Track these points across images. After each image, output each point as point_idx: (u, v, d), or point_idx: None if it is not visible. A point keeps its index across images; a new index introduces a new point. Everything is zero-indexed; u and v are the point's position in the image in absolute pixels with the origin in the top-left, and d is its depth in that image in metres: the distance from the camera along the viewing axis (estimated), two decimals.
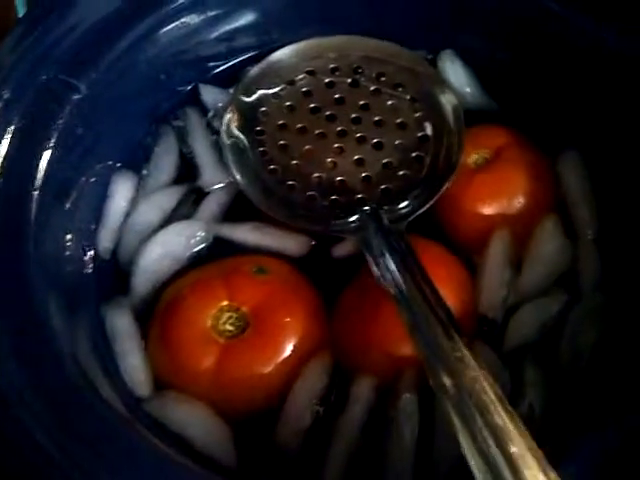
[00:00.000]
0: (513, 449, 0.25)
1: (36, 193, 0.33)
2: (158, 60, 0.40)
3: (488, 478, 0.25)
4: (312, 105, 0.40)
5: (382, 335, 0.33)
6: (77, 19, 0.37)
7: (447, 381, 0.27)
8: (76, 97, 0.36)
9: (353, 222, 0.36)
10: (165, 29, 0.40)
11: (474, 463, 0.25)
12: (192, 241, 0.37)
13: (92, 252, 0.37)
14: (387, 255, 0.33)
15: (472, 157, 0.38)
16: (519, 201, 0.36)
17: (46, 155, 0.34)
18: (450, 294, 0.32)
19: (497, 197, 0.37)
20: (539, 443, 0.25)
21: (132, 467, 0.26)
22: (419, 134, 0.39)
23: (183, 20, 0.40)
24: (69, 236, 0.35)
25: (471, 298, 0.34)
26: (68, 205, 0.35)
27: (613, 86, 0.36)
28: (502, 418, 0.26)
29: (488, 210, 0.37)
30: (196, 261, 0.37)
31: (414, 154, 0.38)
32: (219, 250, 0.37)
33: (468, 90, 0.42)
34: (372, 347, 0.33)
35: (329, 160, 0.38)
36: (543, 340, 0.33)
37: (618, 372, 0.30)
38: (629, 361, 0.30)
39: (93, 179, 0.37)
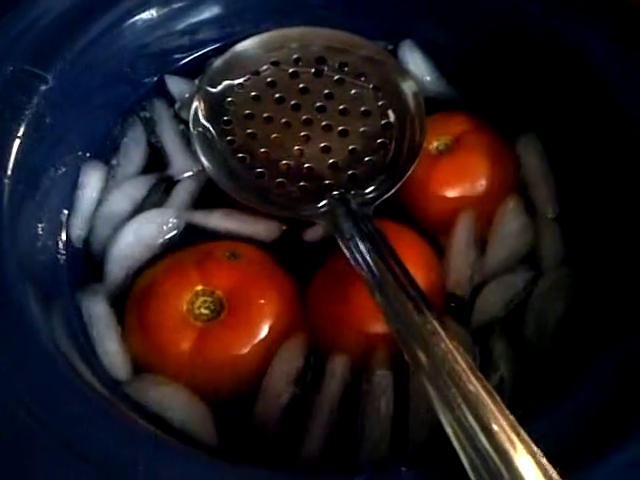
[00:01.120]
0: (486, 414, 0.26)
1: (7, 182, 0.33)
2: (124, 52, 0.40)
3: (464, 443, 0.26)
4: (277, 95, 0.41)
5: (355, 314, 0.34)
6: (42, 10, 0.37)
7: (420, 354, 0.28)
8: (43, 87, 0.36)
9: (322, 207, 0.37)
10: (130, 21, 0.40)
11: (450, 430, 0.26)
12: (164, 228, 0.37)
13: (65, 240, 0.37)
14: (357, 238, 0.34)
15: (434, 144, 0.40)
16: (481, 183, 0.38)
17: (15, 145, 0.34)
18: (419, 273, 0.33)
19: (460, 180, 0.38)
20: (510, 409, 0.26)
21: (116, 443, 0.27)
22: (382, 121, 0.40)
23: (148, 12, 0.41)
24: (41, 225, 0.35)
25: (439, 277, 0.36)
26: (39, 195, 0.35)
27: (567, 71, 0.38)
28: (474, 385, 0.27)
29: (452, 193, 0.38)
30: (169, 248, 0.37)
31: (378, 140, 0.39)
32: (191, 237, 0.37)
33: (428, 79, 0.43)
34: (345, 326, 0.34)
35: (296, 148, 0.39)
36: (510, 315, 0.35)
37: (583, 343, 0.32)
38: (593, 333, 0.32)
39: (63, 169, 0.37)
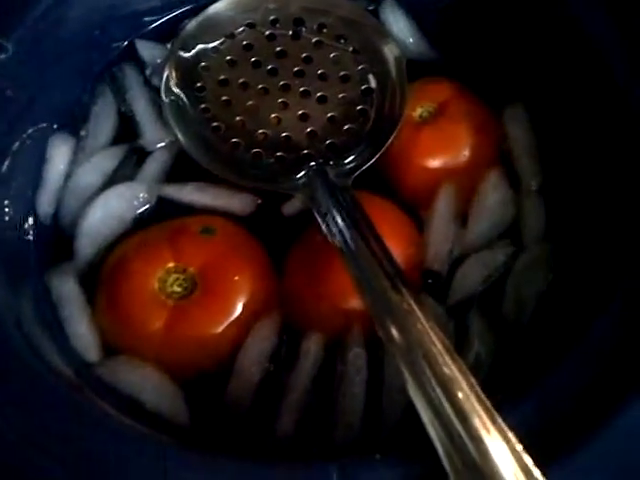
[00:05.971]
0: (461, 399, 0.25)
1: None
2: (90, 15, 0.38)
3: (438, 428, 0.25)
4: (253, 59, 0.39)
5: (331, 290, 0.33)
6: None
7: (396, 334, 0.28)
8: (3, 56, 0.34)
9: (300, 179, 0.36)
10: None
11: (424, 414, 0.26)
12: (135, 203, 0.36)
13: (32, 218, 0.36)
14: (334, 211, 0.33)
15: (417, 111, 0.38)
16: (464, 155, 0.37)
17: None
18: (397, 248, 0.32)
19: (443, 151, 0.37)
20: (487, 392, 0.26)
21: (79, 434, 0.26)
22: (362, 87, 0.39)
23: None
24: (7, 202, 0.34)
25: (418, 252, 0.35)
26: (3, 171, 0.34)
27: (558, 39, 0.37)
28: (450, 368, 0.26)
29: (434, 164, 0.37)
30: (141, 223, 0.36)
31: (358, 107, 0.38)
32: (164, 211, 0.36)
33: (411, 40, 0.42)
34: (321, 302, 0.33)
35: (273, 116, 0.38)
36: (488, 292, 0.34)
37: (562, 321, 0.31)
38: (574, 309, 0.31)
39: (29, 142, 0.36)
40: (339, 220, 0.32)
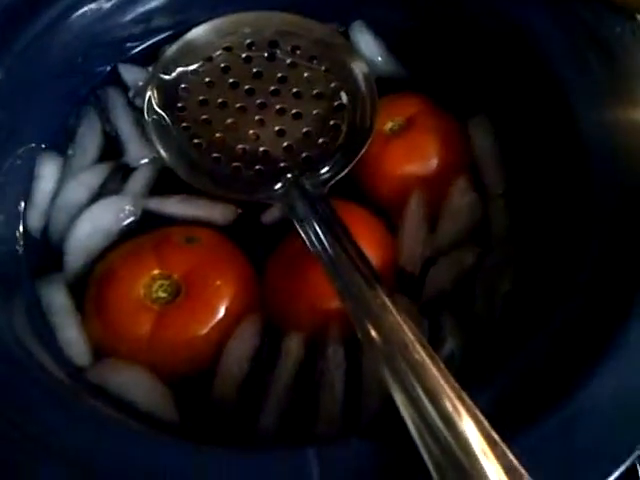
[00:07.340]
0: (431, 381, 0.27)
1: None
2: (74, 43, 0.40)
3: (411, 410, 0.27)
4: (231, 80, 0.41)
5: (309, 292, 0.35)
6: None
7: (371, 327, 0.29)
8: None
9: (278, 190, 0.37)
10: (77, 13, 0.40)
11: (398, 398, 0.27)
12: (121, 215, 0.38)
13: (23, 232, 0.37)
14: (311, 218, 0.35)
15: (387, 125, 0.40)
16: (433, 163, 0.39)
17: None
18: (371, 251, 0.34)
19: (412, 160, 0.39)
20: (459, 381, 0.27)
21: (73, 430, 0.27)
22: (335, 103, 0.41)
23: (96, 3, 0.41)
24: None
25: (391, 255, 0.36)
26: None
27: (512, 53, 0.39)
28: (420, 355, 0.28)
29: (404, 173, 0.39)
30: (127, 235, 0.38)
31: (331, 122, 0.40)
32: (149, 223, 0.38)
33: (379, 59, 0.44)
34: (300, 303, 0.35)
35: (251, 132, 0.39)
36: (459, 291, 0.36)
37: (527, 316, 0.33)
38: (536, 306, 0.33)
39: (18, 162, 0.38)
40: (316, 226, 0.34)
